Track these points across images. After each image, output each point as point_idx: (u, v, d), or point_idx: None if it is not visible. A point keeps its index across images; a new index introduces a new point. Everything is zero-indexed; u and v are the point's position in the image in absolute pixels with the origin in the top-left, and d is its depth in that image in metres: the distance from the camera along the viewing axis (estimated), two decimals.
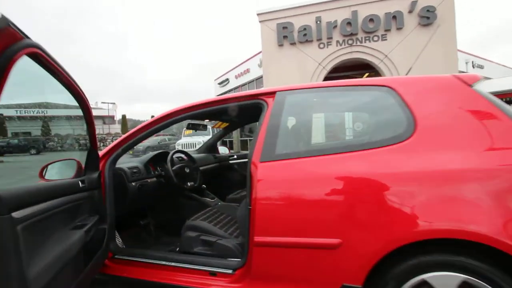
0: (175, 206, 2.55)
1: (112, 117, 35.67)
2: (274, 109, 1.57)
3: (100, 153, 1.89)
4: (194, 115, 1.80)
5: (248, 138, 14.75)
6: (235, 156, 3.32)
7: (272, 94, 1.63)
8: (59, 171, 1.70)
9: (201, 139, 12.48)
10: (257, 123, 1.63)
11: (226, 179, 3.31)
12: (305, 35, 8.50)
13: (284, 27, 8.64)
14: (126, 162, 2.16)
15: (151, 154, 2.27)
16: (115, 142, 1.92)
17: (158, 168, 2.31)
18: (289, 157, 1.42)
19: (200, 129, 2.62)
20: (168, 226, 2.57)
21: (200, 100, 1.81)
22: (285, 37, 8.67)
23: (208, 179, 2.76)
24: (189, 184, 2.18)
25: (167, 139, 17.87)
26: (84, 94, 1.33)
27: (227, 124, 2.98)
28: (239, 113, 1.94)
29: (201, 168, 2.58)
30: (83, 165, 1.68)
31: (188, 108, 1.79)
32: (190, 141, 12.23)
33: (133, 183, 1.98)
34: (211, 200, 2.54)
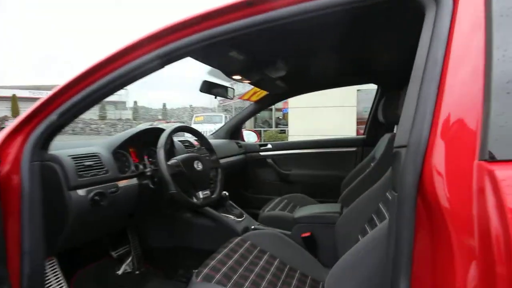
0: (174, 226, 1.48)
1: (124, 103, 35.22)
2: None
3: (15, 121, 0.85)
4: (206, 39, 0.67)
5: (262, 129, 13.27)
6: (270, 146, 2.21)
7: None
8: None
9: (212, 127, 11.42)
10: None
11: (256, 180, 2.22)
12: None
13: None
14: (78, 145, 1.08)
15: (130, 131, 1.19)
16: (44, 98, 0.84)
17: (147, 160, 1.23)
18: None
19: (221, 94, 1.51)
20: (162, 258, 1.51)
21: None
22: None
23: (228, 179, 1.65)
24: (201, 195, 1.09)
25: None
26: None
27: (266, 92, 1.86)
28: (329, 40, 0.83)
29: (222, 161, 1.47)
30: None
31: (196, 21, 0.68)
32: (200, 128, 11.08)
33: (80, 191, 0.91)
34: (237, 219, 1.45)
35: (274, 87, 1.72)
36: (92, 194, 0.92)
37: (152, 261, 1.48)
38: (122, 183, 1.04)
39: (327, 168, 2.00)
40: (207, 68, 1.36)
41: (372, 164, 1.43)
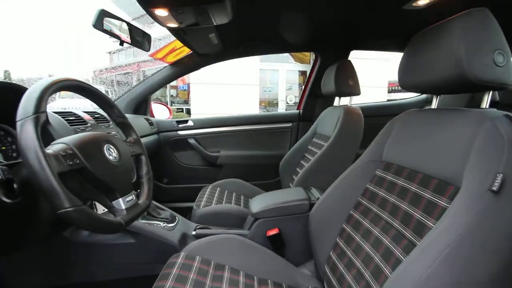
0: (60, 254, 0.89)
1: None
2: None
3: None
4: None
5: (179, 106, 10.82)
6: (191, 122, 1.77)
7: None
8: None
9: (87, 103, 9.03)
10: None
11: (174, 166, 1.74)
12: None
13: None
14: None
15: None
16: None
17: None
18: None
19: (126, 37, 0.97)
20: None
21: None
22: None
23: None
24: (122, 204, 0.61)
25: None
26: None
27: (188, 51, 1.39)
28: None
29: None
30: None
31: None
32: (71, 104, 8.54)
33: None
34: (168, 224, 1.02)
35: (204, 43, 1.29)
36: None
37: None
38: None
39: (261, 147, 1.78)
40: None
41: (323, 142, 1.29)
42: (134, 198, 0.66)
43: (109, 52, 14.56)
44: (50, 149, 0.50)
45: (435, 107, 0.72)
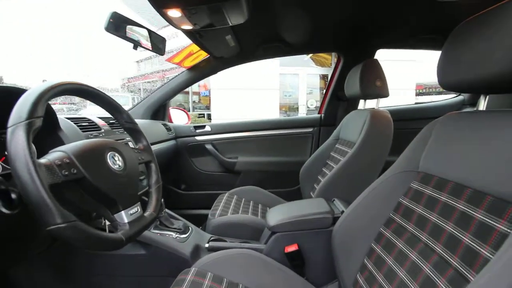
0: (62, 268, 0.87)
1: None
2: None
3: None
4: None
5: (201, 112, 10.60)
6: (208, 128, 1.73)
7: None
8: None
9: None
10: None
11: (192, 172, 1.71)
12: None
13: None
14: None
15: None
16: None
17: None
18: None
19: (137, 40, 0.95)
20: None
21: None
22: None
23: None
24: (125, 217, 0.56)
25: (65, 109, 13.68)
26: None
27: (205, 55, 1.36)
28: None
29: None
30: None
31: None
32: (98, 112, 8.93)
33: None
34: (180, 236, 0.97)
35: (221, 46, 1.25)
36: None
37: None
38: None
39: (280, 153, 1.70)
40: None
41: (347, 149, 1.19)
42: (139, 210, 0.61)
43: (137, 61, 15.28)
44: (44, 158, 0.46)
45: (484, 109, 0.61)
